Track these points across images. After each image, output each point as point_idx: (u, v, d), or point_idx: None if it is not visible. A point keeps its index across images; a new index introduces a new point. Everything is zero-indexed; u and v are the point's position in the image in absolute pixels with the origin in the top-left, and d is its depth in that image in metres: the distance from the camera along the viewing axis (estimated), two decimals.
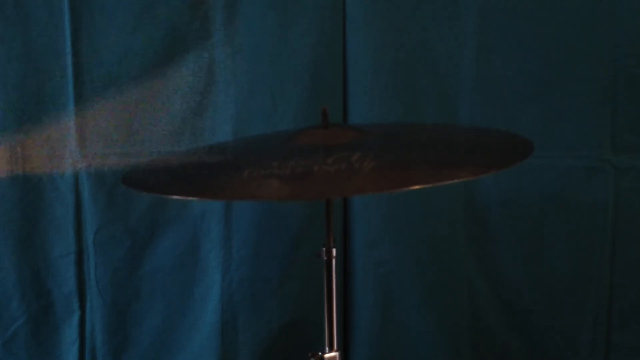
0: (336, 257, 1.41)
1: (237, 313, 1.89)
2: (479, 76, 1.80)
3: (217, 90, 1.83)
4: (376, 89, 1.82)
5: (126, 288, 1.88)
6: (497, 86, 1.80)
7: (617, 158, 1.79)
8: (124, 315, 1.89)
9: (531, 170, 1.79)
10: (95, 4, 1.77)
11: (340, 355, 1.42)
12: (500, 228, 1.86)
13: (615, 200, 1.80)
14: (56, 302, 1.87)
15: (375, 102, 1.83)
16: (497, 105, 1.81)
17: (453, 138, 1.42)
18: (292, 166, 1.12)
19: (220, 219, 1.86)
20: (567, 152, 1.80)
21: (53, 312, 1.87)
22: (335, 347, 1.41)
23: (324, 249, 1.40)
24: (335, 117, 1.77)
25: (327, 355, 1.39)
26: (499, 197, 1.84)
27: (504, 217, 1.85)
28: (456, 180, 1.06)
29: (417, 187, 1.02)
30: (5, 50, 1.76)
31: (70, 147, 1.81)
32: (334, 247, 1.40)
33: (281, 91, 1.82)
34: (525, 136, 1.33)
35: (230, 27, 1.80)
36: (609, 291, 1.83)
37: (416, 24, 1.80)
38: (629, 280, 1.83)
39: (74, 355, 1.89)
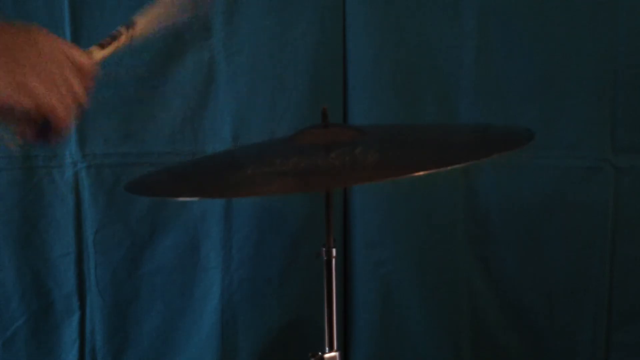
0: (336, 257, 1.41)
1: (237, 313, 1.89)
2: (479, 76, 1.80)
3: (217, 90, 1.82)
4: (376, 89, 1.82)
5: (126, 288, 1.88)
6: (497, 86, 1.80)
7: (617, 158, 1.79)
8: (124, 315, 1.89)
9: (531, 170, 1.79)
10: (95, 4, 1.77)
11: (340, 355, 1.41)
12: (500, 228, 1.86)
13: (615, 200, 1.80)
14: (56, 302, 1.87)
15: (375, 102, 1.83)
16: (497, 105, 1.80)
17: (453, 138, 1.42)
18: (295, 162, 1.12)
19: (220, 219, 1.86)
20: (567, 152, 1.80)
21: (53, 312, 1.87)
22: (335, 347, 1.41)
23: (324, 249, 1.40)
24: (335, 117, 1.77)
25: (327, 355, 1.39)
26: (499, 197, 1.84)
27: (504, 217, 1.85)
28: (458, 165, 1.05)
29: (421, 173, 1.02)
30: None
31: (70, 147, 1.81)
32: (334, 247, 1.40)
33: (281, 91, 1.82)
34: None
35: (230, 27, 1.80)
36: (608, 291, 1.83)
37: (416, 24, 1.79)
38: (629, 280, 1.83)
39: (74, 355, 1.89)
